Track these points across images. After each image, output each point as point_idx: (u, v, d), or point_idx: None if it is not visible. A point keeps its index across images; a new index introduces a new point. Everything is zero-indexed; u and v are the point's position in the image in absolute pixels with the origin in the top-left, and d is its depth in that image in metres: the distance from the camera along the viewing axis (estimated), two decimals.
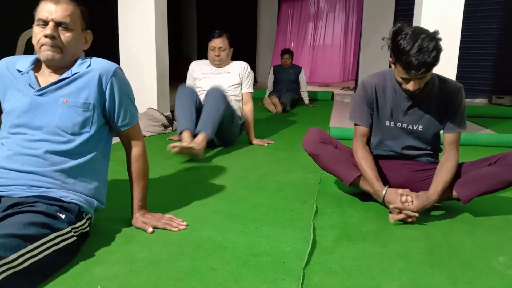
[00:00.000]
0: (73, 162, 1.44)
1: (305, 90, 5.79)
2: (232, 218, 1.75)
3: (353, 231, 1.65)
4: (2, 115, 1.48)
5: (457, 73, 3.41)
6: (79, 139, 1.45)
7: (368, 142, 1.96)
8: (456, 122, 1.82)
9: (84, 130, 1.46)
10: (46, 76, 1.46)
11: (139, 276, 1.26)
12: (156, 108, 3.93)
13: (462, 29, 3.40)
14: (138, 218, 1.60)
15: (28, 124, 1.42)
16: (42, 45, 1.40)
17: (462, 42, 3.45)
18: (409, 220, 1.70)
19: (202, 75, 3.15)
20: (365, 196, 1.98)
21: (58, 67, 1.46)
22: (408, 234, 1.63)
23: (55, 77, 1.45)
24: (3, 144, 1.43)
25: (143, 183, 1.62)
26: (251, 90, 3.21)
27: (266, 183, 2.26)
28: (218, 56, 3.10)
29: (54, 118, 1.42)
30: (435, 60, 1.59)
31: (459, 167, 1.87)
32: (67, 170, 1.42)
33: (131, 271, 1.28)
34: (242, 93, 3.20)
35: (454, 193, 1.80)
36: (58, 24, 1.39)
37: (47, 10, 1.38)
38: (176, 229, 1.59)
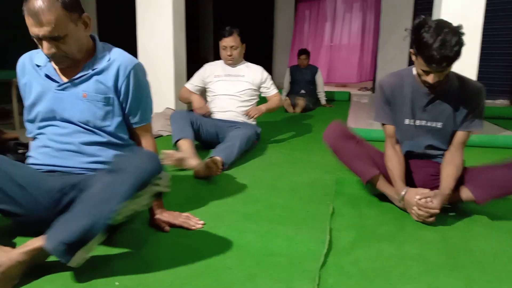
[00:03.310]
0: (110, 151, 1.50)
1: (321, 90, 5.76)
2: (248, 217, 1.76)
3: (370, 233, 1.64)
4: (26, 108, 1.53)
5: (478, 74, 3.35)
6: (105, 131, 1.50)
7: (398, 142, 1.94)
8: (472, 121, 1.81)
9: (106, 123, 1.50)
10: (66, 68, 1.46)
11: (155, 273, 1.28)
12: (173, 108, 3.96)
13: (483, 28, 3.33)
14: (156, 216, 1.62)
15: (54, 118, 1.47)
16: (49, 57, 1.40)
17: (482, 42, 3.39)
18: (430, 219, 1.69)
19: (216, 78, 3.10)
20: (384, 197, 1.96)
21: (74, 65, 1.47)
22: (425, 236, 1.62)
23: (75, 70, 1.46)
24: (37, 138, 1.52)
25: None
26: (276, 90, 3.20)
27: (281, 183, 2.27)
28: (230, 55, 3.04)
29: (76, 112, 1.46)
30: (457, 54, 1.59)
31: (474, 170, 1.86)
32: (104, 162, 1.48)
33: (147, 269, 1.30)
34: (267, 97, 3.20)
35: (465, 194, 1.79)
36: (50, 38, 1.33)
37: (33, 27, 1.31)
38: (193, 227, 1.60)
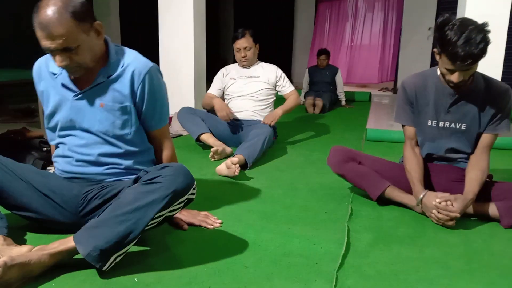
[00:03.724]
0: (128, 161, 1.51)
1: (341, 91, 5.71)
2: (265, 217, 1.76)
3: (389, 235, 1.62)
4: (46, 117, 1.53)
5: (502, 74, 3.27)
6: (123, 139, 1.49)
7: (418, 144, 1.91)
8: (498, 123, 1.77)
9: (125, 132, 1.49)
10: (81, 76, 1.43)
11: (173, 271, 1.29)
12: (193, 108, 3.99)
13: (508, 28, 3.25)
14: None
15: (74, 127, 1.48)
16: (62, 68, 1.37)
17: (507, 41, 3.30)
18: (450, 223, 1.66)
19: (231, 81, 3.14)
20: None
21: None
22: (447, 239, 1.59)
23: (90, 77, 1.43)
24: (58, 147, 1.55)
25: None
26: (292, 88, 3.18)
27: (300, 184, 2.26)
28: (244, 56, 3.07)
29: (95, 122, 1.46)
30: (482, 52, 1.55)
31: (505, 187, 1.80)
32: (122, 170, 1.51)
33: (166, 266, 1.32)
34: (284, 95, 3.20)
35: (492, 212, 1.74)
36: (62, 50, 1.29)
37: (44, 40, 1.28)
38: (211, 226, 1.61)
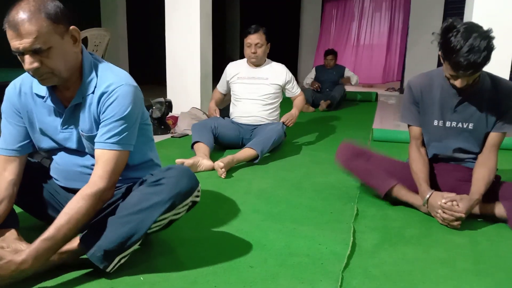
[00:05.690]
0: (128, 172, 1.42)
1: (351, 76, 5.67)
2: (271, 217, 1.76)
3: (395, 235, 1.62)
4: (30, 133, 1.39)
5: (511, 74, 3.25)
6: None
7: (424, 144, 1.91)
8: (505, 122, 1.75)
9: None
10: (64, 92, 1.32)
11: (179, 270, 1.30)
12: (199, 107, 4.01)
13: None
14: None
15: (63, 149, 1.40)
16: (32, 74, 1.21)
17: None
18: (455, 223, 1.65)
19: (239, 80, 3.10)
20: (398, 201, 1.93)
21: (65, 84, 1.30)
22: (453, 240, 1.58)
23: (71, 92, 1.31)
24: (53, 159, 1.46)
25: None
26: (299, 90, 3.21)
27: (305, 184, 2.26)
28: (254, 53, 3.00)
29: (84, 147, 1.37)
30: (485, 60, 1.54)
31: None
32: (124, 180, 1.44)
33: (172, 266, 1.33)
34: (292, 97, 3.22)
35: (499, 212, 1.73)
36: (33, 51, 1.15)
37: (13, 40, 1.15)
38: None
